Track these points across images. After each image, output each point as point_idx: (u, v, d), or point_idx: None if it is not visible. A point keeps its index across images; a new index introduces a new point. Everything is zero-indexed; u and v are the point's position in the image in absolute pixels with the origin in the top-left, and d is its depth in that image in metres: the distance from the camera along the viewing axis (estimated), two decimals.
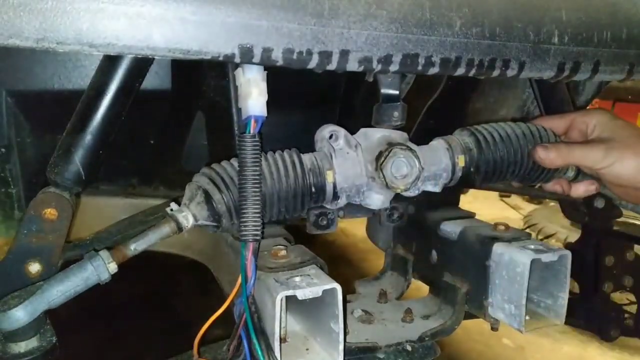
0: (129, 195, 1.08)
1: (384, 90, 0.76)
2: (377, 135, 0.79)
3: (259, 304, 0.69)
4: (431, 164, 0.80)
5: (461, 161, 0.82)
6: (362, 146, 0.78)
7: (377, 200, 0.79)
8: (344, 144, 0.77)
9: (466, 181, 0.84)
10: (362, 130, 0.79)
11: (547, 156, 0.83)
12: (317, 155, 0.77)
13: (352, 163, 0.77)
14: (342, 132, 0.77)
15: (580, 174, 0.90)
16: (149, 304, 2.22)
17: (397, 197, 0.82)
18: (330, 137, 0.77)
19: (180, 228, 0.69)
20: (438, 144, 0.84)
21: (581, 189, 0.90)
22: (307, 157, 0.76)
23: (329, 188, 0.76)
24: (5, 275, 0.73)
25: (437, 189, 0.82)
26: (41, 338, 0.67)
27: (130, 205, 1.04)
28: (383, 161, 0.75)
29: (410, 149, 0.76)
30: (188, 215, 0.70)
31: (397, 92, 0.76)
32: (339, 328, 0.66)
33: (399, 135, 0.80)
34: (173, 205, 0.71)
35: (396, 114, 0.77)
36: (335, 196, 0.77)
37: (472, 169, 0.83)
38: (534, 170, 0.86)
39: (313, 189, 0.75)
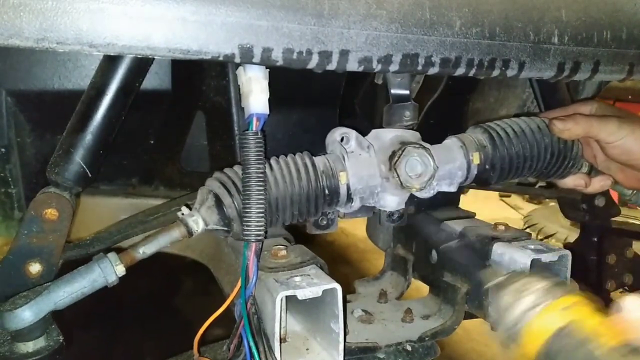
0: (129, 195, 1.08)
1: (394, 91, 0.75)
2: (390, 136, 0.77)
3: (259, 304, 0.69)
4: (445, 162, 0.79)
5: (476, 159, 0.80)
6: (374, 147, 0.77)
7: (391, 201, 0.78)
8: (356, 146, 0.76)
9: (482, 179, 0.83)
10: (374, 131, 0.78)
11: (566, 126, 0.82)
12: (329, 157, 0.76)
13: (365, 164, 0.76)
14: (353, 134, 0.76)
15: (593, 170, 0.90)
16: (149, 304, 2.22)
17: (411, 199, 0.80)
18: (342, 139, 0.76)
19: (190, 232, 0.69)
20: (451, 142, 0.82)
21: (597, 184, 0.90)
22: (319, 160, 0.75)
23: (343, 190, 0.75)
24: (6, 276, 0.73)
25: (453, 189, 0.81)
26: (48, 338, 0.67)
27: (130, 205, 1.04)
28: (397, 160, 0.74)
29: (424, 148, 0.75)
30: (198, 219, 0.70)
31: (407, 92, 0.75)
32: (339, 328, 0.66)
33: (412, 135, 0.79)
34: (184, 209, 0.71)
35: (408, 113, 0.76)
36: (349, 198, 0.76)
37: (487, 166, 0.81)
38: (551, 164, 0.85)
39: (327, 191, 0.74)
